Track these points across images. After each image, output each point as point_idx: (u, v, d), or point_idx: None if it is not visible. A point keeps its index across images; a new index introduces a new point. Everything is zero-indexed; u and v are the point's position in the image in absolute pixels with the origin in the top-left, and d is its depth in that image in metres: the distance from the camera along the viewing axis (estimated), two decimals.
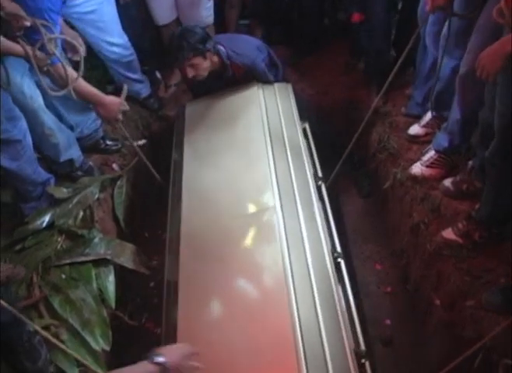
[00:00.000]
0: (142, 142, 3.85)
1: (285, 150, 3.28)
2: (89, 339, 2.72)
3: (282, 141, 3.35)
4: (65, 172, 3.53)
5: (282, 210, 2.83)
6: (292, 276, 2.50)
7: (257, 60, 3.64)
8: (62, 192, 3.36)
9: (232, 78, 3.70)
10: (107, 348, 2.75)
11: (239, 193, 3.04)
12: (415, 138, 3.80)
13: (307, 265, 2.59)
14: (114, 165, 3.84)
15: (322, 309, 2.40)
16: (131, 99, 3.88)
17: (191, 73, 3.43)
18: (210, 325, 2.47)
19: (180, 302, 2.57)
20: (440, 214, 3.26)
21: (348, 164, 3.57)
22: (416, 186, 3.50)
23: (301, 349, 2.22)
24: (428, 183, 3.45)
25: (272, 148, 3.23)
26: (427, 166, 3.47)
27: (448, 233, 3.06)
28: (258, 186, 3.03)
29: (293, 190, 3.01)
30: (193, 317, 2.51)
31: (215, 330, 2.44)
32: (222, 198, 3.04)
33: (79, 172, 3.56)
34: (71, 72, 2.76)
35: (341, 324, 2.40)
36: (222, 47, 3.54)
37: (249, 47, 3.69)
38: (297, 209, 2.89)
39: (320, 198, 3.16)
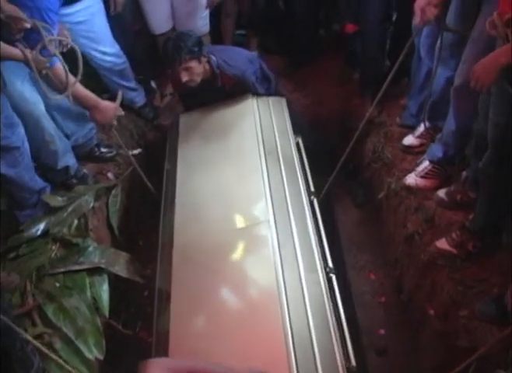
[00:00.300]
0: (136, 151, 3.85)
1: (279, 164, 3.29)
2: (82, 347, 2.71)
3: (276, 154, 3.36)
4: (61, 180, 3.52)
5: (275, 224, 2.83)
6: (285, 290, 2.51)
7: (247, 72, 3.65)
8: (57, 200, 3.36)
9: (221, 90, 3.70)
10: (101, 357, 2.75)
11: (232, 205, 3.05)
12: (409, 149, 3.81)
13: (300, 279, 2.59)
14: (109, 174, 3.84)
15: (315, 324, 2.40)
16: (126, 107, 3.89)
17: (185, 77, 3.43)
18: (202, 337, 2.46)
19: (172, 312, 2.57)
20: (434, 224, 3.27)
21: (343, 173, 3.57)
22: (411, 196, 3.51)
23: (294, 363, 2.22)
24: (422, 193, 3.46)
25: (266, 161, 3.24)
26: (421, 177, 3.48)
27: (442, 243, 3.07)
28: (252, 199, 3.04)
29: (287, 204, 3.01)
30: (185, 327, 2.51)
31: (206, 342, 2.43)
32: (216, 210, 3.05)
33: (74, 180, 3.55)
34: (70, 76, 2.75)
35: (334, 339, 2.39)
36: (213, 56, 3.56)
37: (240, 59, 3.69)
38: (290, 223, 2.89)
39: (313, 213, 3.14)
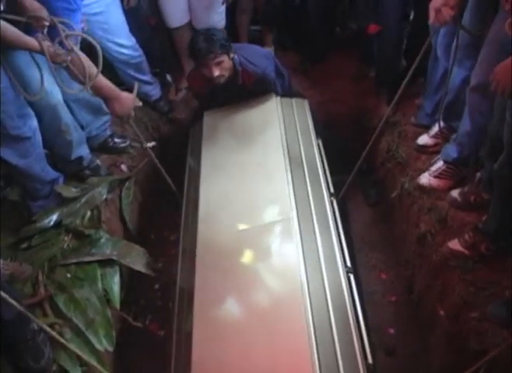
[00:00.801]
0: (151, 144, 3.84)
1: (302, 165, 3.32)
2: (92, 339, 2.72)
3: (299, 155, 3.39)
4: (73, 171, 3.53)
5: (298, 222, 2.85)
6: (308, 288, 2.52)
7: (267, 69, 3.65)
8: (70, 191, 3.37)
9: (241, 88, 3.68)
10: (111, 349, 2.76)
11: (256, 203, 3.06)
12: (423, 148, 3.79)
13: (322, 278, 2.62)
14: (123, 166, 3.85)
15: (336, 323, 2.43)
16: (141, 101, 3.90)
17: (216, 72, 3.40)
18: (225, 336, 2.46)
19: (195, 312, 2.54)
20: (447, 224, 3.26)
21: (357, 172, 3.56)
22: (424, 196, 3.49)
23: (316, 361, 2.23)
24: (435, 193, 3.45)
25: (290, 162, 3.25)
26: (435, 176, 3.46)
27: (454, 244, 3.05)
28: (275, 197, 3.05)
29: (309, 204, 3.04)
30: (208, 328, 2.50)
31: (230, 341, 2.43)
32: (240, 208, 3.06)
33: (87, 171, 3.57)
34: (91, 67, 2.75)
35: (354, 337, 2.42)
36: (235, 55, 3.55)
37: (259, 56, 3.69)
38: (313, 223, 2.92)
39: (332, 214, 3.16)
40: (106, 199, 3.50)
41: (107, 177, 3.64)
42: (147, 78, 4.24)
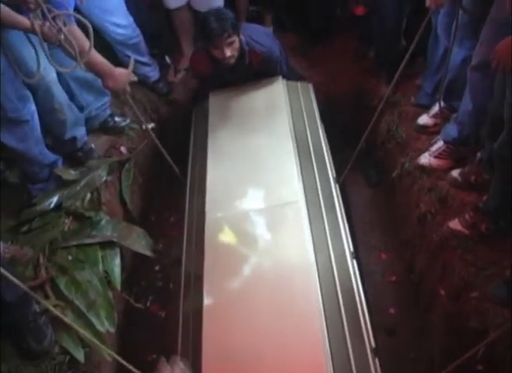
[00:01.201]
0: (150, 125, 3.84)
1: (309, 149, 3.37)
2: (94, 320, 2.73)
3: (306, 139, 3.42)
4: (67, 151, 3.52)
5: (306, 207, 2.89)
6: (318, 270, 2.58)
7: (273, 48, 3.66)
8: (70, 174, 3.37)
9: (247, 68, 3.67)
10: (112, 330, 2.77)
11: (265, 187, 3.08)
12: (423, 128, 3.78)
13: (330, 261, 2.68)
14: (122, 148, 3.84)
15: (344, 305, 2.48)
16: (139, 82, 3.88)
17: (228, 52, 3.39)
18: (236, 315, 2.49)
19: (205, 292, 2.57)
20: (447, 204, 3.26)
21: (357, 153, 3.56)
22: (424, 176, 3.49)
23: (327, 346, 2.28)
24: (436, 173, 3.44)
25: (297, 145, 3.29)
26: (435, 157, 3.46)
27: (455, 224, 3.06)
28: (284, 182, 3.06)
29: (316, 187, 3.10)
30: (219, 311, 2.53)
31: (240, 319, 2.47)
32: (249, 190, 3.09)
33: (80, 153, 3.55)
34: (84, 44, 2.73)
35: (362, 322, 2.48)
36: (241, 36, 3.52)
37: (264, 36, 3.70)
38: (321, 207, 2.98)
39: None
40: (105, 181, 3.49)
41: (107, 159, 3.64)
42: (145, 59, 4.21)
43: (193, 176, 3.44)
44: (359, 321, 2.47)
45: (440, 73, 3.59)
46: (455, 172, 3.31)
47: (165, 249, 3.92)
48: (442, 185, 3.35)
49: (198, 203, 3.17)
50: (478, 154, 3.22)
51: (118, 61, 3.93)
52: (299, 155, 3.21)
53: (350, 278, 2.65)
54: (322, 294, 2.47)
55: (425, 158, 3.51)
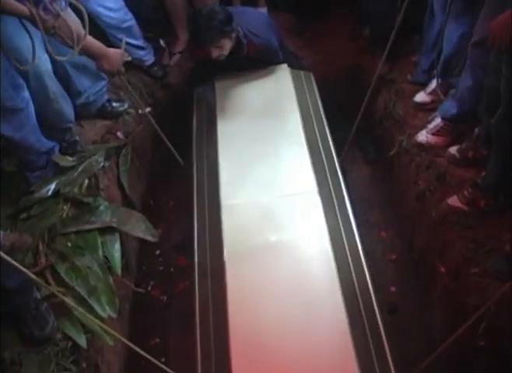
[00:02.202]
0: (147, 109, 3.82)
1: (316, 137, 3.47)
2: (95, 306, 2.73)
3: (313, 128, 3.51)
4: (60, 140, 3.50)
5: (320, 196, 2.99)
6: (335, 255, 2.70)
7: (272, 40, 3.68)
8: (67, 160, 3.36)
9: (245, 57, 3.69)
10: (114, 315, 2.78)
11: (279, 174, 3.15)
12: (421, 106, 3.78)
13: (344, 247, 2.83)
14: (119, 133, 3.82)
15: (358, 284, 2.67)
16: (134, 66, 3.85)
17: (215, 53, 3.43)
18: (259, 303, 2.57)
19: (228, 283, 2.64)
20: (446, 181, 3.26)
21: (354, 130, 3.57)
22: (422, 153, 3.49)
23: (347, 319, 2.42)
24: (434, 150, 3.44)
25: (307, 134, 3.37)
26: (433, 134, 3.45)
27: (454, 200, 3.06)
28: (297, 171, 3.16)
29: (326, 176, 3.22)
30: (242, 295, 2.60)
31: (265, 306, 2.55)
32: (262, 178, 3.14)
33: (64, 144, 3.52)
34: (79, 30, 2.71)
35: (374, 302, 2.66)
36: (239, 27, 3.52)
37: (263, 26, 3.69)
38: (332, 195, 3.10)
39: None
40: (103, 166, 3.48)
41: (104, 145, 3.62)
42: (139, 42, 4.17)
43: (200, 161, 3.47)
44: (372, 300, 2.63)
45: (436, 50, 3.57)
46: (453, 149, 3.30)
47: (165, 233, 3.92)
48: (440, 162, 3.35)
49: (210, 188, 3.23)
50: (476, 130, 3.21)
51: (111, 46, 3.91)
52: (308, 144, 3.30)
53: (360, 259, 2.78)
54: (339, 274, 2.59)
55: (422, 136, 3.51)
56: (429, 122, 3.54)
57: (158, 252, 3.81)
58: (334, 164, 3.34)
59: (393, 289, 3.49)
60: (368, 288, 2.67)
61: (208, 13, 3.36)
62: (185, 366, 3.08)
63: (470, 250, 2.86)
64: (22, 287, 2.43)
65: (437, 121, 3.44)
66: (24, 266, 2.62)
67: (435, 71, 3.56)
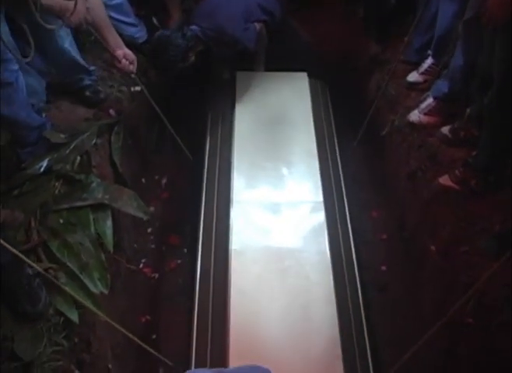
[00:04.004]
0: (138, 88, 3.81)
1: (326, 149, 3.70)
2: (87, 282, 2.73)
3: (323, 138, 3.74)
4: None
5: (325, 207, 3.19)
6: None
7: (236, 33, 3.65)
8: (59, 137, 3.33)
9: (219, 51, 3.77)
10: (106, 291, 2.77)
11: (289, 181, 3.36)
12: (413, 85, 3.78)
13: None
14: (111, 111, 3.80)
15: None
16: (127, 44, 3.82)
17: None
18: (259, 299, 2.76)
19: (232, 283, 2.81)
20: (437, 161, 3.27)
21: None
22: (414, 133, 3.51)
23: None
24: (425, 130, 3.46)
25: (318, 144, 3.56)
26: (425, 114, 3.46)
27: (445, 180, 3.07)
28: (307, 179, 3.38)
29: (331, 187, 3.47)
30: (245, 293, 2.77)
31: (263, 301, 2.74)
32: (273, 182, 3.35)
33: (87, 93, 3.70)
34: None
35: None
36: (200, 31, 3.57)
37: (229, 19, 3.65)
38: (335, 208, 3.33)
39: None
40: (95, 144, 3.46)
41: (96, 122, 3.60)
42: (131, 20, 4.13)
43: (213, 157, 3.68)
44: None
45: (430, 30, 3.57)
46: (445, 129, 3.31)
47: (157, 211, 3.92)
48: (432, 141, 3.37)
49: (221, 185, 3.44)
50: (468, 110, 3.22)
51: None
52: (318, 155, 3.49)
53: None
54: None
55: (414, 116, 3.52)
56: (422, 102, 3.54)
57: (150, 230, 3.81)
58: (340, 177, 3.57)
59: (383, 268, 3.51)
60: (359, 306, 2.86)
61: (162, 44, 3.51)
62: (176, 342, 3.12)
63: (460, 229, 2.88)
64: (14, 264, 2.42)
65: (429, 101, 3.45)
66: (16, 243, 2.65)
67: (428, 51, 3.56)
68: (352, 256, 3.08)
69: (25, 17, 2.73)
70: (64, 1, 2.83)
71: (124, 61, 3.20)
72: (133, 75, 3.33)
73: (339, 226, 3.20)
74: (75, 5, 2.71)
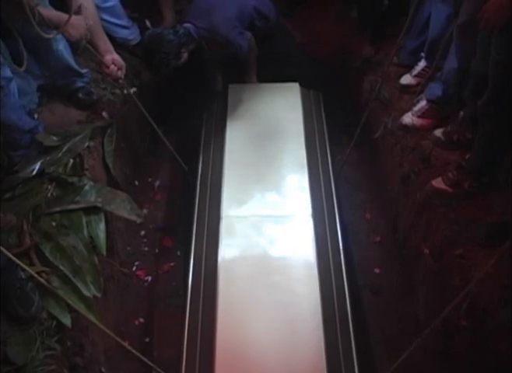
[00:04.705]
0: (132, 90, 3.80)
1: (318, 161, 3.64)
2: (80, 285, 2.72)
3: (315, 151, 3.69)
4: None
5: (313, 221, 3.12)
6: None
7: (230, 35, 3.60)
8: (51, 140, 3.32)
9: (211, 51, 3.75)
10: (99, 294, 2.77)
11: (278, 194, 3.30)
12: (406, 88, 3.78)
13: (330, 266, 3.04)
14: (104, 113, 3.79)
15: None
16: (119, 46, 3.81)
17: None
18: (247, 307, 2.75)
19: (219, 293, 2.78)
20: (431, 163, 3.27)
21: None
22: (407, 135, 3.50)
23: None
24: (419, 132, 3.45)
25: (308, 157, 3.51)
26: (418, 116, 3.46)
27: (438, 182, 3.07)
28: (295, 193, 3.31)
29: (322, 200, 3.39)
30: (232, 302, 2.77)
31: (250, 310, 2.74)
32: (263, 196, 3.30)
33: (80, 95, 3.70)
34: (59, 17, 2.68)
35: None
36: (193, 29, 3.52)
37: (224, 20, 3.60)
38: (325, 222, 3.26)
39: None
40: (88, 146, 3.45)
41: (89, 124, 3.59)
42: (124, 22, 4.14)
43: (205, 170, 3.68)
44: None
45: (424, 33, 3.58)
46: (438, 132, 3.31)
47: (150, 213, 3.92)
48: (425, 144, 3.36)
49: (211, 199, 3.42)
50: (461, 113, 3.22)
51: None
52: (309, 168, 3.43)
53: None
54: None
55: (408, 118, 3.51)
56: (415, 104, 3.55)
57: (143, 232, 3.81)
58: (331, 189, 3.50)
59: (377, 270, 3.52)
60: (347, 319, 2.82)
61: (154, 41, 3.43)
62: (169, 345, 3.11)
63: (454, 232, 2.87)
64: (7, 267, 2.41)
65: (422, 103, 3.45)
66: (9, 246, 2.63)
67: (422, 54, 3.56)
68: (341, 271, 3.02)
69: (20, 25, 2.74)
70: (64, 14, 2.83)
71: (112, 66, 3.17)
72: (120, 81, 3.29)
73: (328, 239, 3.15)
74: (70, 16, 2.70)
